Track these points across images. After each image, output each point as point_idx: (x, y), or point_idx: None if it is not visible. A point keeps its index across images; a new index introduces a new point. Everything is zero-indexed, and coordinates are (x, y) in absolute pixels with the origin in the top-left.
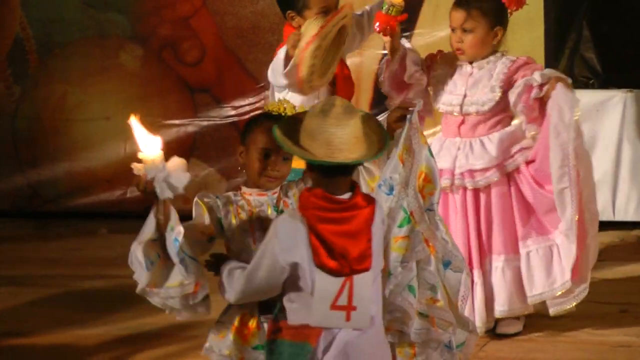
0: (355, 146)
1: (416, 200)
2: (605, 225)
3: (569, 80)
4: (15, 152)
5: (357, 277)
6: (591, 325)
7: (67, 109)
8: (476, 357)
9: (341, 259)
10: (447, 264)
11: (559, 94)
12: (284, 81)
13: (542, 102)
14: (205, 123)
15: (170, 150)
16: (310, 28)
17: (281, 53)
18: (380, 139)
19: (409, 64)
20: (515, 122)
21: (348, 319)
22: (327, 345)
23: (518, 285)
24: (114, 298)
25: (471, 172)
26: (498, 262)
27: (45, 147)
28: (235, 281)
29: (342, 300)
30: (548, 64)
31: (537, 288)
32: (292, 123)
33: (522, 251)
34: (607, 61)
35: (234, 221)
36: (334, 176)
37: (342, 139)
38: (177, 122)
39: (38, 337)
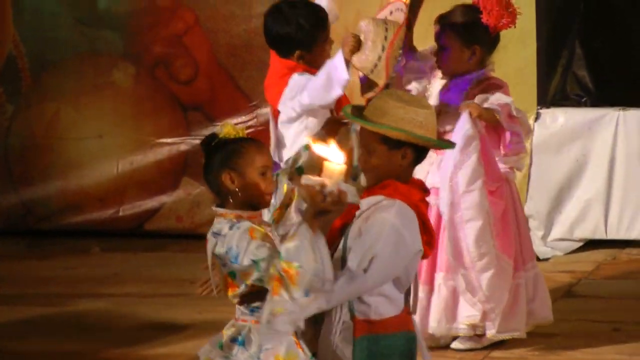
0: None
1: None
2: (597, 244)
3: (479, 108)
4: (8, 170)
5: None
6: (584, 344)
7: (60, 127)
8: None
9: (432, 243)
10: None
11: (459, 122)
12: (338, 92)
13: (489, 126)
14: (197, 141)
15: (163, 168)
16: (377, 26)
17: (337, 59)
18: None
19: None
20: None
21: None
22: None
23: (450, 304)
24: (107, 316)
25: (435, 189)
26: (439, 280)
27: (38, 165)
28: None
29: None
30: (540, 82)
31: (467, 310)
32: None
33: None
34: (600, 79)
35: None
36: (418, 163)
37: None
38: (169, 140)
39: (30, 356)
